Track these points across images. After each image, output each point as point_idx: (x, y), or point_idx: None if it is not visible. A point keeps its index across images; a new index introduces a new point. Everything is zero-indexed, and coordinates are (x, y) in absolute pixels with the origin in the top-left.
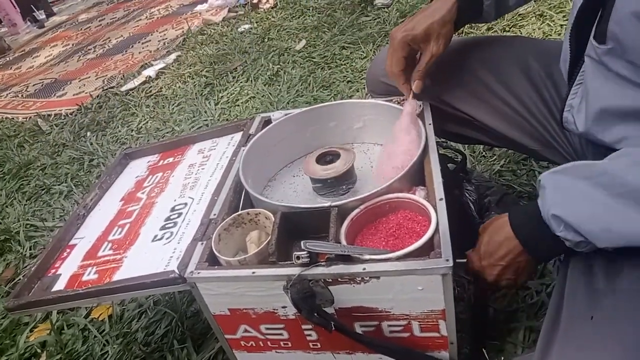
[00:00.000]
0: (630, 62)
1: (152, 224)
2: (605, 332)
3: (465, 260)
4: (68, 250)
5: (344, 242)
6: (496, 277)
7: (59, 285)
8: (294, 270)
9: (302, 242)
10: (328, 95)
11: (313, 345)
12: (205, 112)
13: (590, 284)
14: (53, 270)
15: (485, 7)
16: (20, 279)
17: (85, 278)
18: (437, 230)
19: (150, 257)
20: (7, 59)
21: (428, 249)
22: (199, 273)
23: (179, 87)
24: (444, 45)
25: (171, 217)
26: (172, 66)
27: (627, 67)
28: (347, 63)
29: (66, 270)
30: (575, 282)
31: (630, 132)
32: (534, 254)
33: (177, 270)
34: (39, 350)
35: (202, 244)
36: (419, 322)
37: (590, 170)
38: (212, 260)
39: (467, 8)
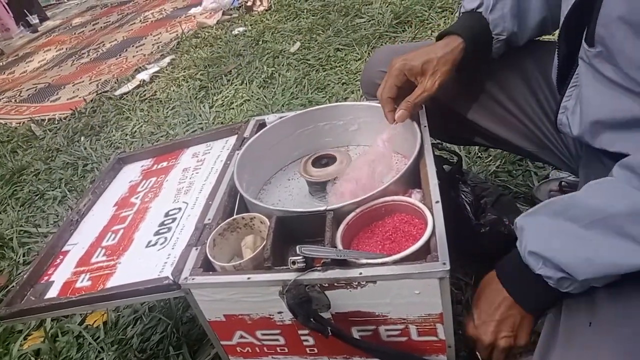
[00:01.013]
0: (617, 66)
1: (146, 229)
2: (603, 339)
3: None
4: (61, 256)
5: (339, 246)
6: (492, 335)
7: (52, 293)
8: (290, 276)
9: (297, 247)
10: (323, 97)
11: (310, 350)
12: (200, 115)
13: (588, 290)
14: (46, 278)
15: (494, 50)
16: (13, 286)
17: (78, 285)
18: (433, 233)
19: (144, 263)
20: (1, 64)
21: (425, 253)
22: (193, 279)
23: (173, 90)
24: (439, 84)
25: (165, 223)
26: (167, 70)
27: (615, 71)
28: (342, 65)
29: (59, 277)
30: None
31: (622, 140)
32: (524, 303)
33: (171, 277)
34: (33, 359)
35: (196, 249)
36: (417, 326)
37: (560, 206)
38: (206, 266)
39: (476, 50)
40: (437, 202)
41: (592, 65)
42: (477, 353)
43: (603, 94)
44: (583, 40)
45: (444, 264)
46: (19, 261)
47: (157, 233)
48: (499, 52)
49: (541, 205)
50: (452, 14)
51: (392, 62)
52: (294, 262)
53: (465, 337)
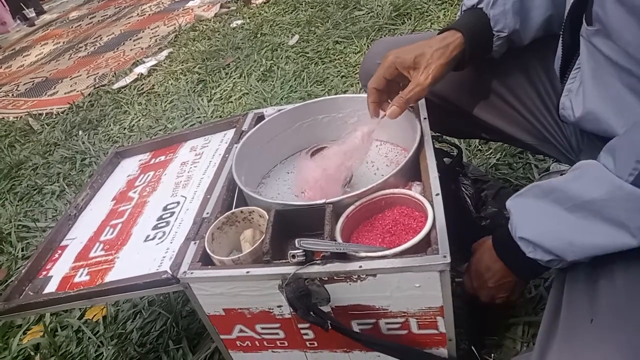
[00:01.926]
0: (614, 43)
1: (144, 223)
2: (605, 335)
3: (462, 280)
4: (59, 251)
5: (339, 239)
6: (489, 297)
7: (51, 288)
8: (289, 269)
9: (296, 241)
10: (322, 90)
11: (310, 344)
12: (198, 109)
13: (590, 286)
14: (44, 272)
15: (495, 47)
16: (12, 281)
17: (77, 280)
18: (433, 226)
19: (143, 258)
20: None
21: (425, 246)
22: (192, 273)
23: (171, 84)
24: (432, 78)
25: (163, 217)
26: (164, 63)
27: (613, 49)
28: (341, 58)
29: (58, 272)
30: (574, 284)
31: (614, 120)
32: (519, 274)
33: (169, 271)
34: (32, 353)
35: (195, 243)
36: (417, 319)
37: (545, 189)
38: (205, 260)
39: (475, 47)
40: (437, 194)
41: (591, 43)
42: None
43: (602, 71)
44: (584, 19)
45: (445, 256)
46: (17, 256)
47: (155, 227)
48: (500, 51)
49: (529, 187)
50: (451, 6)
51: (386, 54)
52: (293, 256)
53: (464, 287)
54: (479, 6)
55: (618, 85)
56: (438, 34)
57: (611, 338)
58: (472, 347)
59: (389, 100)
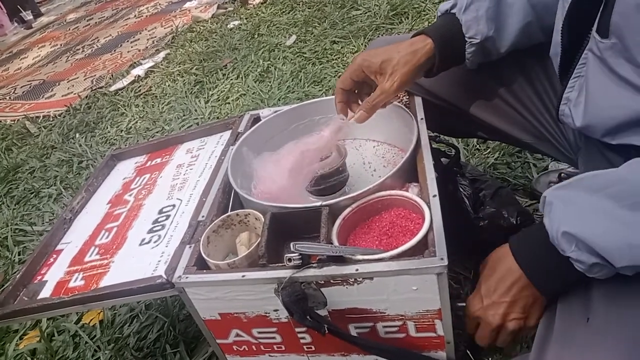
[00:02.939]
0: (632, 62)
1: (140, 227)
2: (601, 335)
3: (464, 304)
4: (54, 255)
5: (335, 242)
6: (502, 317)
7: (45, 293)
8: (285, 273)
9: (292, 244)
10: (320, 90)
11: (307, 348)
12: (196, 110)
13: (585, 286)
14: (39, 277)
15: (468, 54)
16: (7, 286)
17: (71, 284)
18: (431, 227)
19: (138, 262)
20: None
21: (422, 248)
22: (187, 278)
23: (169, 85)
24: (398, 85)
25: (159, 220)
26: (162, 64)
27: (629, 67)
28: (339, 58)
29: (52, 276)
30: None
31: (630, 135)
32: (541, 286)
33: (164, 275)
34: (29, 358)
35: (190, 247)
36: (415, 322)
37: (600, 182)
38: (200, 264)
39: (447, 52)
40: (434, 196)
41: (603, 58)
42: (476, 336)
43: (612, 90)
44: (594, 31)
45: (442, 259)
46: (14, 260)
47: (150, 231)
48: (475, 60)
49: (574, 179)
50: None
51: (355, 56)
52: (289, 259)
53: (467, 316)
54: (452, 11)
55: (634, 105)
56: (412, 37)
57: (608, 336)
58: (468, 352)
59: (360, 102)
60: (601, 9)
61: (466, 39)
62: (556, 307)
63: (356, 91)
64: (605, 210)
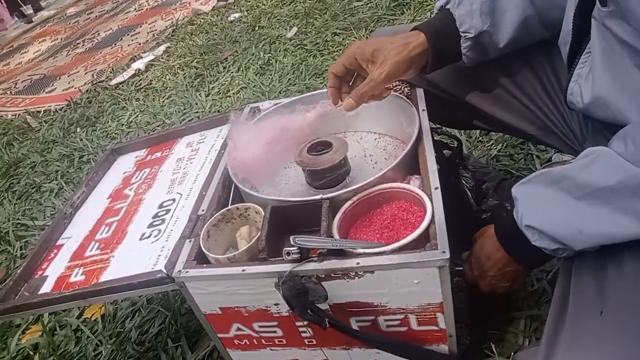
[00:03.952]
0: (630, 25)
1: (140, 221)
2: (615, 327)
3: (462, 268)
4: (55, 250)
5: (336, 235)
6: (490, 286)
7: (46, 288)
8: (285, 267)
9: (291, 238)
10: (321, 83)
11: (308, 341)
12: (196, 104)
13: (598, 277)
14: (40, 272)
15: (464, 49)
16: (8, 281)
17: (72, 279)
18: (432, 220)
19: (138, 256)
20: None
21: (424, 241)
22: (187, 272)
23: (169, 79)
24: (386, 75)
25: (159, 214)
26: (162, 58)
27: (627, 30)
28: (340, 50)
29: (53, 271)
30: (582, 276)
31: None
32: (522, 262)
33: (164, 270)
34: (31, 353)
35: (190, 241)
36: (417, 315)
37: (554, 176)
38: (201, 258)
39: (440, 47)
40: (436, 188)
41: (604, 25)
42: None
43: (615, 54)
44: (597, 2)
45: (444, 252)
46: (16, 254)
47: (150, 225)
48: (472, 56)
49: (536, 174)
50: None
51: (350, 44)
52: (288, 253)
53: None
54: (447, 7)
55: (631, 68)
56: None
57: (622, 330)
58: (472, 342)
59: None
60: None
61: (460, 33)
62: (568, 297)
63: (350, 84)
64: (558, 201)
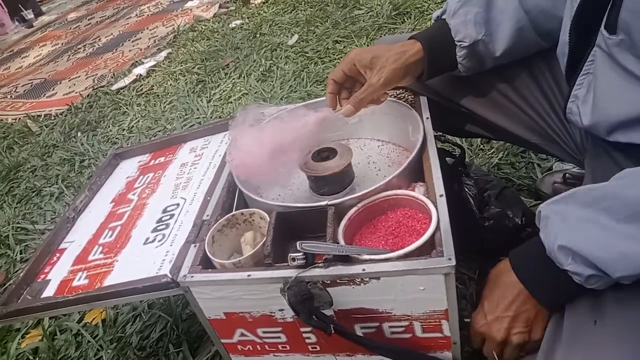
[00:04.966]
0: (638, 57)
1: (144, 226)
2: (609, 337)
3: (469, 320)
4: (58, 254)
5: (342, 241)
6: (505, 331)
7: (49, 292)
8: (291, 272)
9: (297, 243)
10: (322, 90)
11: (312, 348)
12: (198, 109)
13: (594, 291)
14: (42, 276)
15: (460, 58)
16: (10, 284)
17: (75, 283)
18: (438, 227)
19: (142, 261)
20: None
21: (429, 248)
22: (192, 277)
23: (170, 84)
24: (384, 81)
25: (163, 219)
26: (163, 64)
27: (636, 62)
28: (341, 57)
29: (56, 275)
30: None
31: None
32: (542, 298)
33: (169, 274)
34: (31, 357)
35: (195, 246)
36: (421, 322)
37: (593, 196)
38: (205, 263)
39: (436, 55)
40: (441, 195)
41: (610, 54)
42: (484, 351)
43: (620, 86)
44: (602, 27)
45: (450, 259)
46: (16, 259)
47: (155, 230)
48: (468, 65)
49: (568, 193)
50: None
51: (350, 51)
52: (293, 259)
53: (472, 333)
54: (443, 17)
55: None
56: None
57: (616, 339)
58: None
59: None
60: (609, 7)
61: (456, 42)
62: (564, 311)
63: (350, 90)
64: (599, 223)
